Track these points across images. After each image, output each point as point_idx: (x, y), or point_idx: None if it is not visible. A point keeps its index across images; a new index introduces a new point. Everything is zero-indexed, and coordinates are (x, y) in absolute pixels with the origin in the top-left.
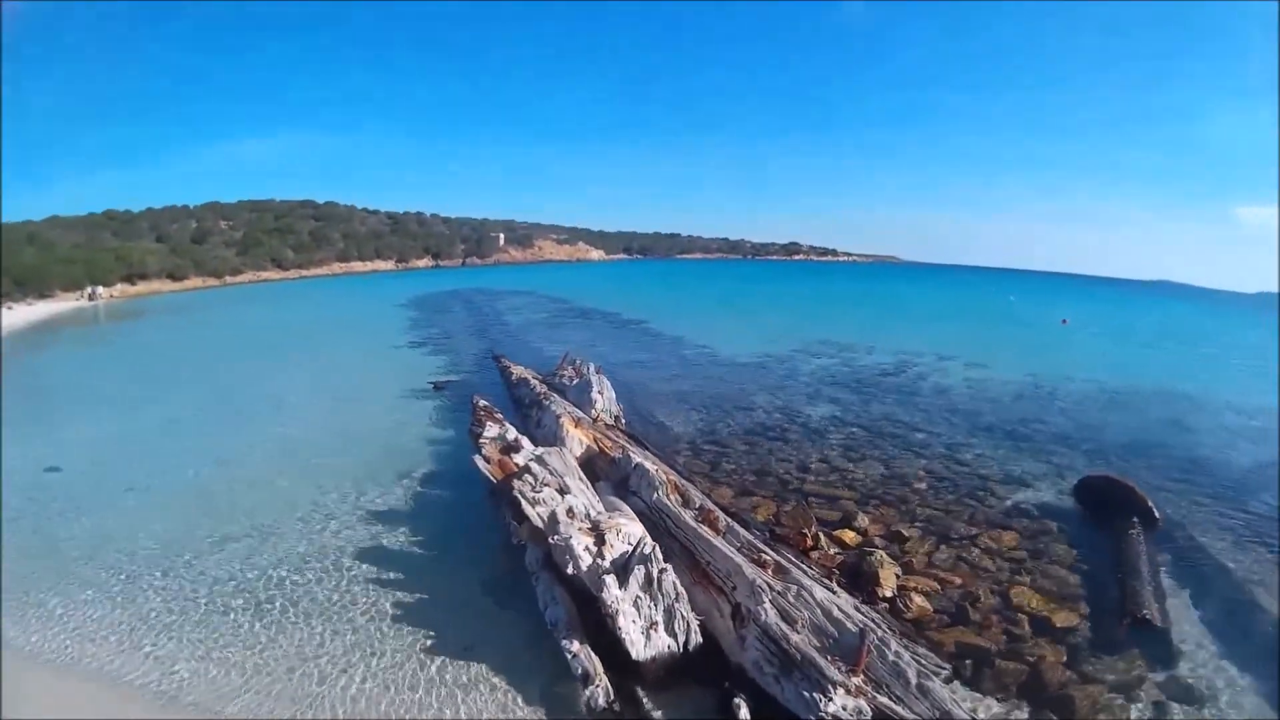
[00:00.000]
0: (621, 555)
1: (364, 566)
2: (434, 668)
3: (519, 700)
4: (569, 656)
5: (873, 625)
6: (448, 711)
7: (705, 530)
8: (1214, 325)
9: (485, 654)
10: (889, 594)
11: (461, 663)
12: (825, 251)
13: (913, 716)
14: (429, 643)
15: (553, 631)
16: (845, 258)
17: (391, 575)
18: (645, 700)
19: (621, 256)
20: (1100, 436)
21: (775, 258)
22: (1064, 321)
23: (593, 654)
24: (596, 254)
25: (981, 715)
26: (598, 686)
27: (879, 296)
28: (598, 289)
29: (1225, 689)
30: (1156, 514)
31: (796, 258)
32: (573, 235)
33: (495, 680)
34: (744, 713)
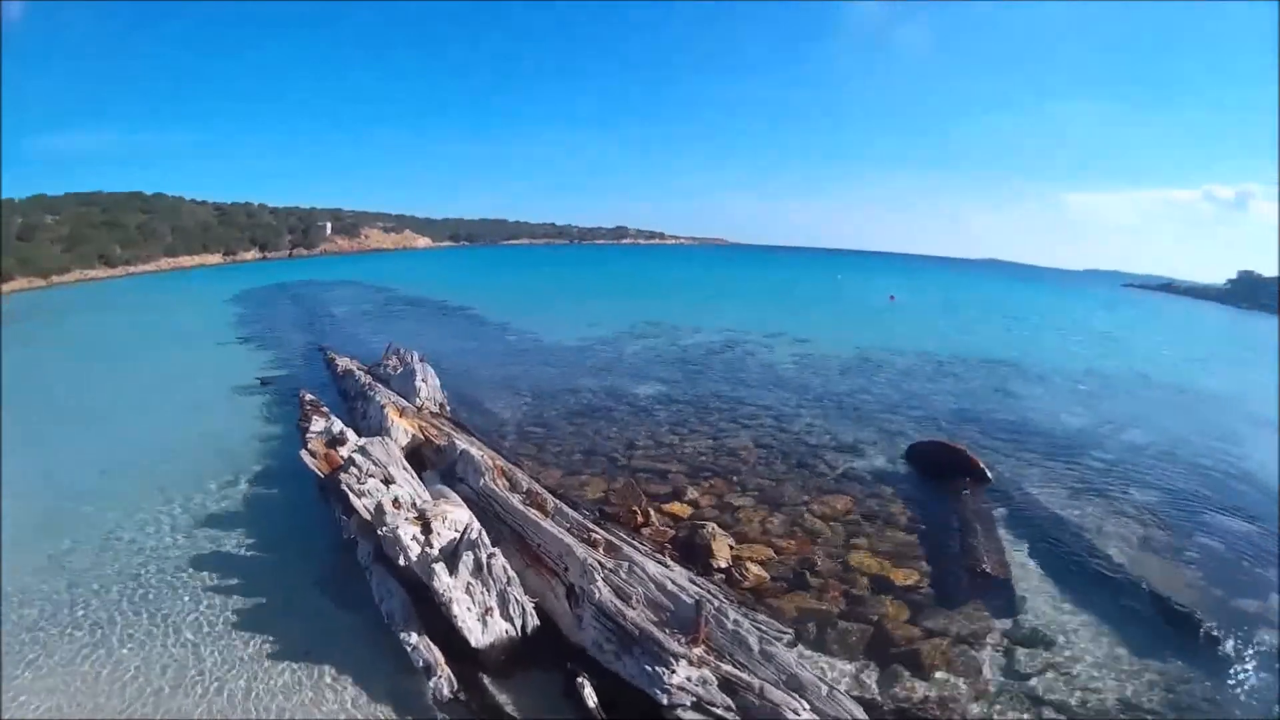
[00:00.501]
0: (450, 542)
1: (199, 576)
2: (274, 676)
3: (364, 699)
4: (409, 649)
5: (709, 596)
6: (298, 714)
7: (533, 513)
8: (1044, 300)
9: (326, 655)
10: (724, 565)
11: (302, 667)
12: (653, 234)
13: (759, 682)
14: (269, 650)
15: (390, 625)
16: (673, 240)
17: (226, 583)
18: (490, 687)
19: (448, 244)
20: (929, 404)
21: (603, 241)
22: (891, 298)
23: (432, 645)
24: (423, 241)
25: (830, 676)
26: (440, 677)
27: (706, 278)
28: (424, 277)
29: (1067, 630)
30: (989, 474)
31: (624, 241)
32: (399, 223)
33: (338, 682)
34: (588, 692)
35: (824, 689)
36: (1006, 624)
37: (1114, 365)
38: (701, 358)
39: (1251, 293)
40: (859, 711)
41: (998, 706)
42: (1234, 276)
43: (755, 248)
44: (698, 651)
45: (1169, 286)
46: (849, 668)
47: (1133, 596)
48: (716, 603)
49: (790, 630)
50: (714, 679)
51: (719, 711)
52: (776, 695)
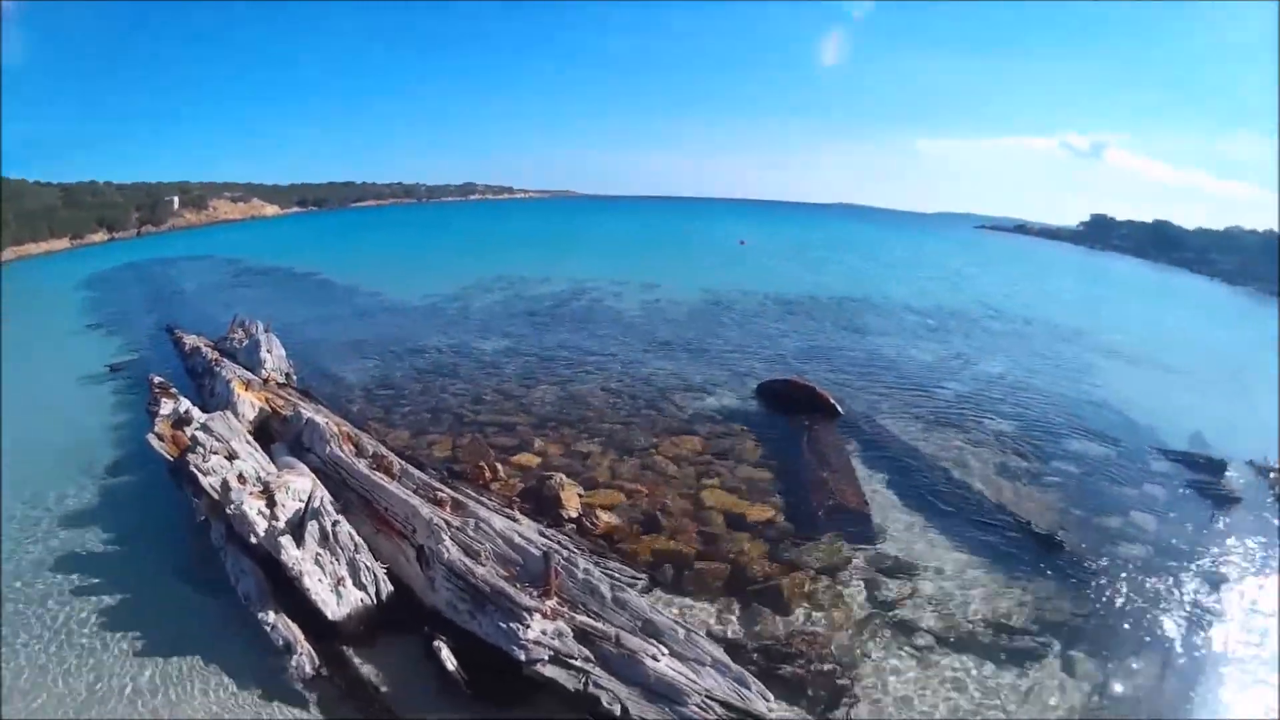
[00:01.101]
0: (295, 513)
1: (57, 578)
2: (141, 671)
3: (231, 685)
4: (267, 629)
5: (558, 547)
6: (164, 713)
7: (380, 476)
8: (894, 240)
9: (189, 646)
10: (574, 514)
11: (166, 661)
12: (502, 190)
13: (614, 630)
14: (133, 648)
15: (249, 606)
16: (522, 194)
17: (85, 583)
18: (353, 659)
19: (296, 210)
20: (778, 343)
21: (451, 199)
22: (742, 242)
23: (290, 622)
24: (271, 210)
25: (689, 618)
26: (301, 655)
27: (554, 230)
28: (271, 246)
29: (929, 557)
30: (839, 409)
31: (473, 198)
32: (248, 192)
33: (204, 669)
34: (445, 654)
35: (681, 632)
36: (868, 554)
37: (964, 300)
38: (549, 309)
39: (1104, 233)
40: (718, 652)
41: (865, 636)
42: (1087, 219)
43: (607, 199)
44: (551, 604)
45: (1022, 228)
46: (709, 609)
47: (993, 521)
48: (566, 553)
49: (644, 575)
50: (569, 630)
51: (577, 663)
52: (633, 642)
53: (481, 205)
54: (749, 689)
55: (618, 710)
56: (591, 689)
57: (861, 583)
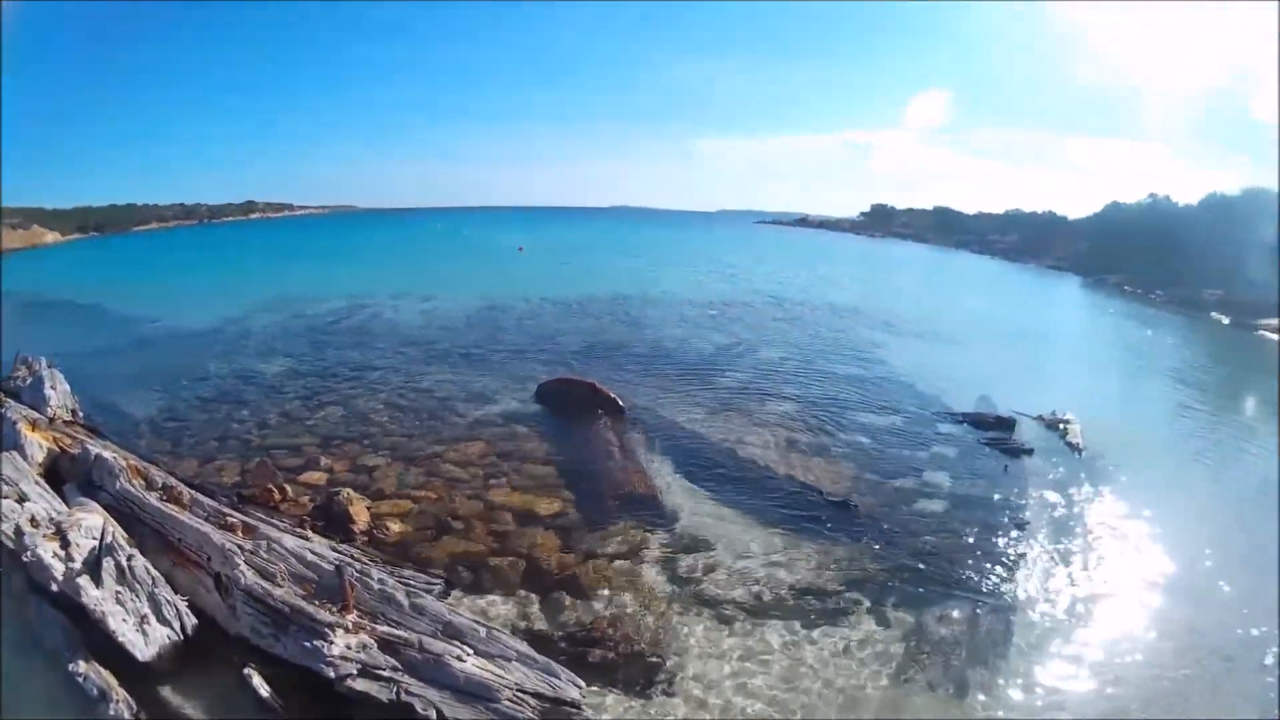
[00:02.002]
0: (90, 552)
1: None
2: None
3: None
4: (79, 680)
5: (350, 560)
6: None
7: (171, 508)
8: (673, 238)
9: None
10: (364, 527)
11: None
12: (282, 207)
13: (416, 636)
14: None
15: (59, 658)
16: (302, 211)
17: None
18: (170, 698)
19: (77, 236)
20: (558, 345)
21: (232, 218)
22: (520, 249)
23: (101, 669)
24: (51, 236)
25: (493, 616)
26: (118, 702)
27: (332, 245)
28: (52, 275)
29: (724, 533)
30: (621, 403)
31: (254, 216)
32: (25, 218)
33: None
34: (257, 681)
35: (482, 630)
36: (662, 537)
37: (741, 290)
38: (328, 326)
39: (884, 221)
40: (522, 646)
41: (670, 613)
42: (867, 209)
43: (389, 211)
44: (351, 617)
45: (804, 220)
46: (511, 605)
47: (784, 494)
48: (359, 565)
49: (440, 579)
50: (373, 642)
51: (386, 673)
52: (437, 646)
53: (262, 224)
54: (559, 677)
55: (433, 715)
56: (404, 698)
57: (660, 564)
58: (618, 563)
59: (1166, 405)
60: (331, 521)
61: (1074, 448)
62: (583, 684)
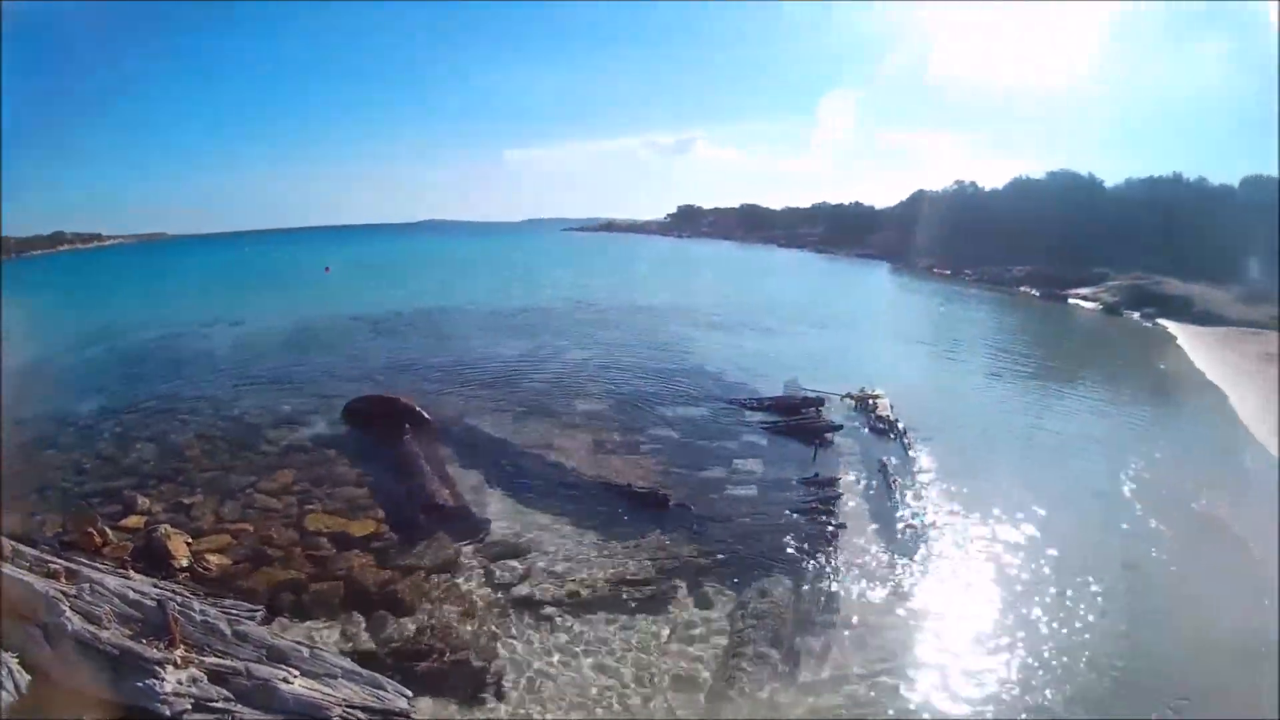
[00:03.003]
0: None
1: None
2: None
3: None
4: None
5: (171, 595)
6: None
7: None
8: (482, 250)
9: None
10: (185, 562)
11: None
12: (91, 237)
13: (242, 664)
14: None
15: None
16: (112, 240)
17: None
18: None
19: None
20: (365, 363)
21: (40, 251)
22: (327, 269)
23: None
24: None
25: (318, 639)
26: None
27: (138, 275)
28: None
29: (538, 537)
30: (428, 416)
31: (62, 248)
32: None
33: None
34: None
35: (305, 651)
36: (477, 546)
37: (546, 297)
38: (139, 358)
39: (691, 222)
40: (346, 663)
41: (492, 619)
42: (674, 210)
43: (199, 237)
44: (179, 652)
45: (610, 225)
46: (335, 627)
47: (594, 492)
48: (180, 599)
49: (260, 607)
50: (203, 675)
51: (219, 704)
52: (263, 671)
53: (70, 256)
54: (385, 689)
55: None
56: None
57: (478, 572)
58: (435, 576)
59: (978, 373)
60: (153, 559)
61: (883, 421)
62: (409, 693)
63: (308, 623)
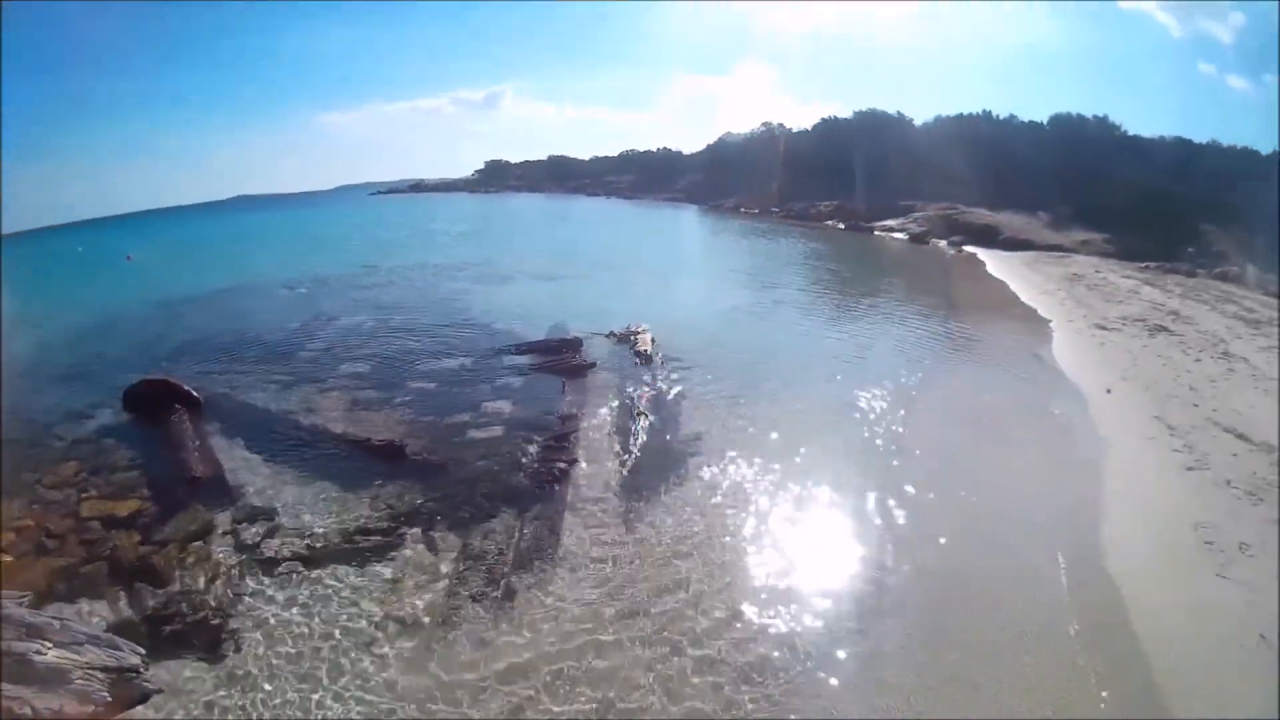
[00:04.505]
0: None
1: None
2: None
3: None
4: None
5: None
6: None
7: None
8: (283, 223)
9: None
10: None
11: None
12: None
13: (5, 644)
14: None
15: None
16: None
17: None
18: None
19: None
20: (152, 349)
21: None
22: (129, 258)
23: None
24: None
25: (88, 616)
26: None
27: None
28: None
29: (283, 498)
30: (197, 395)
31: None
32: None
33: None
34: None
35: (57, 624)
36: (229, 512)
37: (336, 262)
38: None
39: (499, 177)
40: (93, 630)
41: (235, 580)
42: (481, 167)
43: None
44: None
45: (418, 186)
46: (99, 603)
47: (340, 449)
48: None
49: (29, 593)
50: None
51: None
52: (20, 647)
53: None
54: (121, 649)
55: (28, 711)
56: (5, 703)
57: (227, 537)
58: (188, 546)
59: (763, 301)
60: None
61: (641, 355)
62: (143, 651)
63: (81, 602)
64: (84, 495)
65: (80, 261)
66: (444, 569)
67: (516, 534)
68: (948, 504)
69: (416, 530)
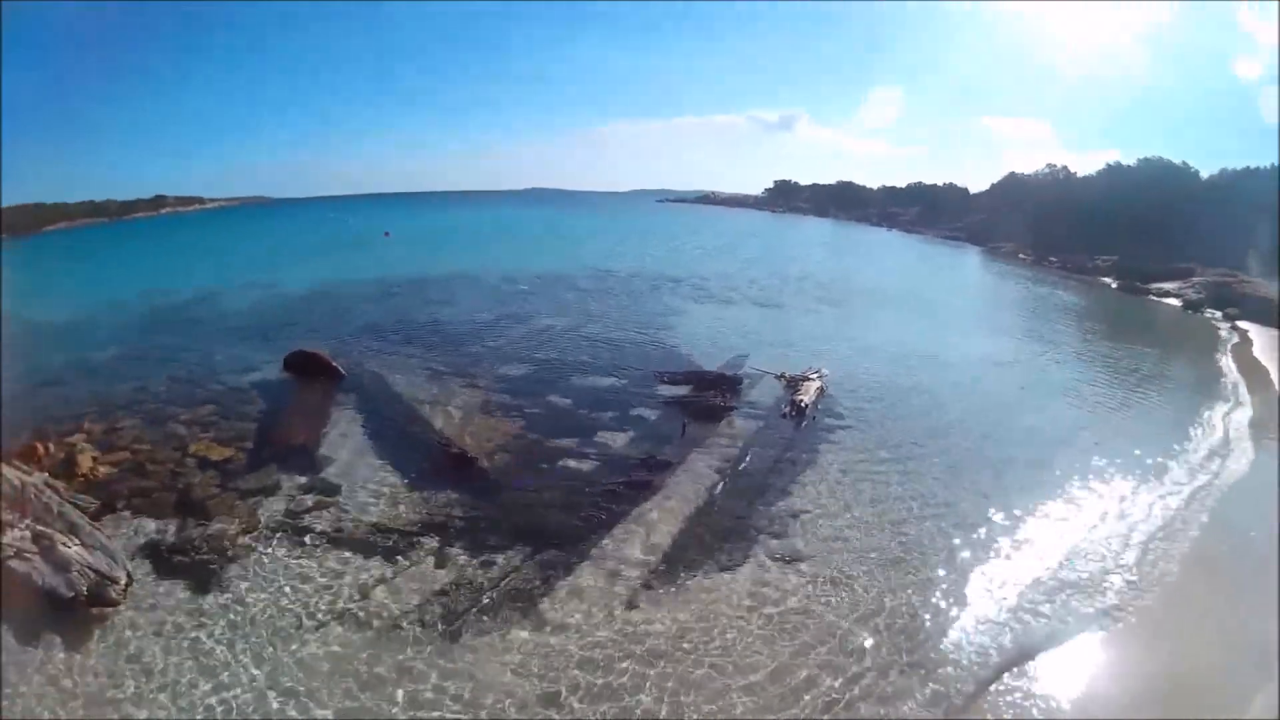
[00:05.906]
0: None
1: None
2: None
3: None
4: None
5: (40, 487)
6: None
7: None
8: (552, 218)
9: None
10: (85, 470)
11: None
12: (192, 200)
13: (52, 531)
14: None
15: None
16: (213, 204)
17: None
18: None
19: None
20: (347, 320)
21: (144, 214)
22: (386, 234)
23: None
24: None
25: (138, 534)
26: None
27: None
28: None
29: (356, 478)
30: (340, 370)
31: (164, 211)
32: None
33: None
34: None
35: (86, 527)
36: (298, 480)
37: (572, 265)
38: (160, 317)
39: (788, 197)
40: (106, 540)
41: (260, 536)
42: (771, 185)
43: (295, 202)
44: (27, 521)
45: (707, 198)
46: (151, 521)
47: (429, 448)
48: (47, 491)
49: (96, 501)
50: (29, 534)
51: (28, 554)
52: (57, 536)
53: (173, 219)
54: (116, 561)
55: (40, 581)
56: (34, 575)
57: (279, 499)
58: (246, 498)
59: (988, 353)
60: (68, 466)
61: (796, 405)
62: (130, 569)
63: (140, 518)
64: (201, 435)
65: (344, 231)
66: (435, 586)
67: (511, 576)
68: None
69: (435, 542)
